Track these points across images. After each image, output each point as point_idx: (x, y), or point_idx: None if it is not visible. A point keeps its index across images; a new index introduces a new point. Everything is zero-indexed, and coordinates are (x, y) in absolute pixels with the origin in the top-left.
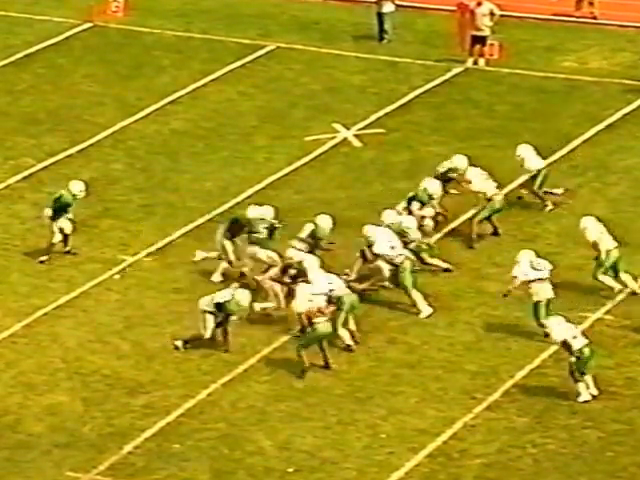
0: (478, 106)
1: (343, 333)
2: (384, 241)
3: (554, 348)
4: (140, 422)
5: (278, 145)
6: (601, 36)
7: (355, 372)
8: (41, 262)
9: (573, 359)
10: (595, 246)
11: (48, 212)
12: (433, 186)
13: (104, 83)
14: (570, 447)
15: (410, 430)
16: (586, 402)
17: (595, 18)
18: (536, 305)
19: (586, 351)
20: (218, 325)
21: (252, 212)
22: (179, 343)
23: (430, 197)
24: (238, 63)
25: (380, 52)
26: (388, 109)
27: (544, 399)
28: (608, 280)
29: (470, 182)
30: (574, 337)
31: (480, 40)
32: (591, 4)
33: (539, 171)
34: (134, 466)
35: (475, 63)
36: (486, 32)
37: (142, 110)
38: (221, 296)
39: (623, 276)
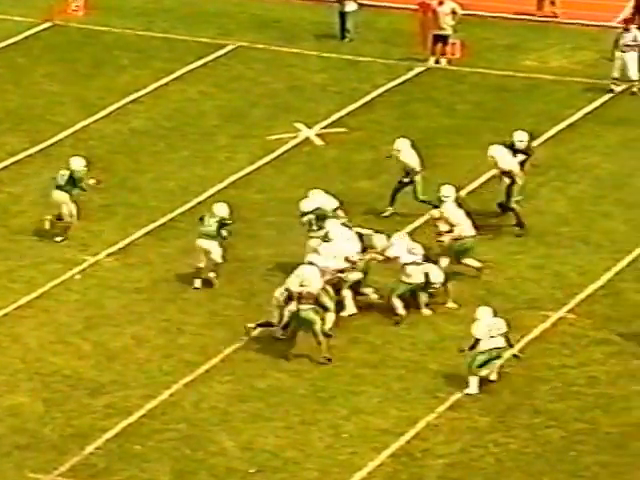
0: (440, 105)
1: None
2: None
3: (516, 348)
4: (101, 423)
5: (240, 144)
6: (562, 35)
7: (317, 372)
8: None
9: (479, 356)
10: None
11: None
12: None
13: (64, 82)
14: (533, 446)
15: (373, 430)
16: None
17: (556, 17)
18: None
19: (494, 354)
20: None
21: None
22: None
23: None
24: (199, 62)
25: (342, 51)
26: (350, 108)
27: (507, 398)
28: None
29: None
30: (491, 337)
31: (442, 39)
32: (552, 3)
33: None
34: (95, 467)
35: (437, 62)
36: (448, 31)
37: (103, 109)
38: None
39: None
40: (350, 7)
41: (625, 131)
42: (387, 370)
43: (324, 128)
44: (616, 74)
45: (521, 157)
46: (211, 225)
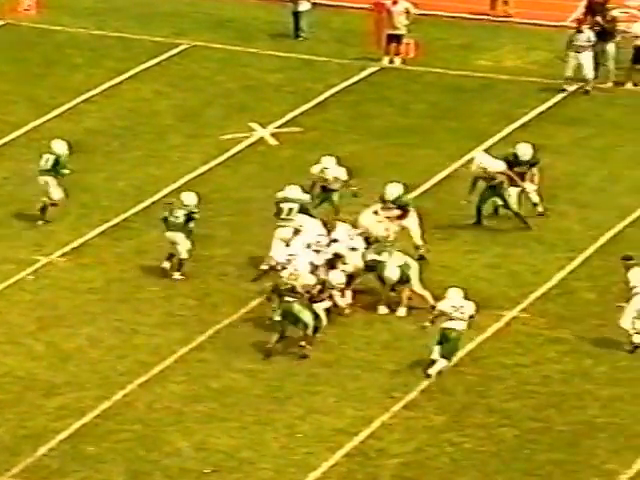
0: (394, 105)
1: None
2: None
3: (471, 346)
4: (55, 424)
5: (194, 144)
6: (516, 35)
7: (272, 372)
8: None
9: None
10: None
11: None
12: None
13: (16, 81)
14: (487, 445)
15: (328, 430)
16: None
17: (510, 17)
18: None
19: (452, 335)
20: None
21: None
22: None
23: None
24: (153, 61)
25: (296, 50)
26: (304, 107)
27: (461, 398)
28: None
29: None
30: (452, 318)
31: (396, 39)
32: (506, 3)
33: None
34: (48, 468)
35: (391, 62)
36: (402, 31)
37: (55, 109)
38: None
39: None
40: (304, 6)
41: (578, 131)
42: (342, 370)
43: (278, 128)
44: (569, 74)
45: (502, 164)
46: (178, 217)
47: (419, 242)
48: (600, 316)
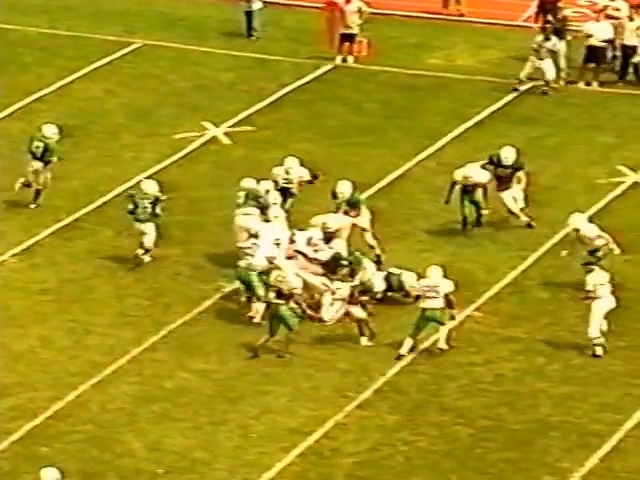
0: (347, 103)
1: None
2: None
3: (425, 345)
4: (6, 425)
5: (146, 143)
6: (468, 33)
7: (226, 372)
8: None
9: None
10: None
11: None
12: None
13: None
14: (440, 444)
15: (281, 429)
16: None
17: (462, 15)
18: None
19: (428, 314)
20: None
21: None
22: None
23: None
24: (104, 60)
25: (249, 49)
26: (257, 107)
27: (415, 396)
28: None
29: None
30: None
31: (349, 37)
32: (458, 2)
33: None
34: (0, 470)
35: (344, 60)
36: (355, 30)
37: (6, 108)
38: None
39: None
40: (256, 5)
41: (530, 130)
42: (296, 369)
43: (231, 127)
44: (523, 76)
45: (487, 175)
46: (147, 207)
47: (372, 242)
48: (553, 315)
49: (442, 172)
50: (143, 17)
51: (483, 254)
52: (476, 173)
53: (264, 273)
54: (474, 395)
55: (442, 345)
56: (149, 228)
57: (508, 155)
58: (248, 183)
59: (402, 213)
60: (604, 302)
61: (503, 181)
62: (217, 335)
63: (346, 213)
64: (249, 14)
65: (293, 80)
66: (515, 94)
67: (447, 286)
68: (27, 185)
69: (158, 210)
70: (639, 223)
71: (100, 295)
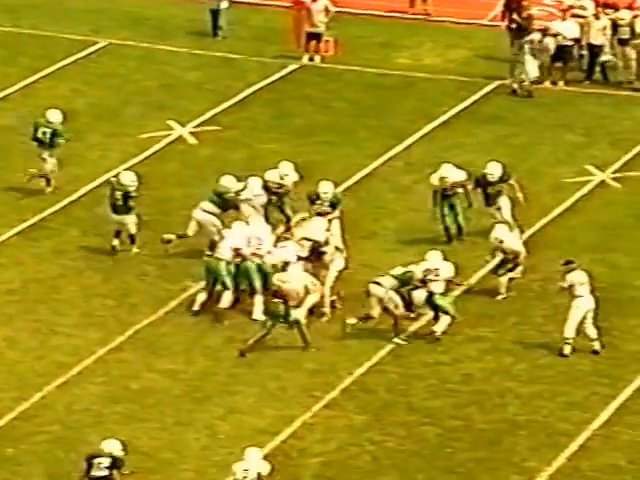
0: (314, 103)
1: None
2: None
3: (391, 346)
4: None
5: (112, 142)
6: (435, 32)
7: (192, 372)
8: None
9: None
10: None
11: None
12: None
13: None
14: (408, 444)
15: (249, 430)
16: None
17: (429, 15)
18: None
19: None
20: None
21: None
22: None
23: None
24: (70, 59)
25: (215, 48)
26: (224, 106)
27: (382, 396)
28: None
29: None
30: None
31: (315, 37)
32: (424, 1)
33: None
34: None
35: (311, 60)
36: (321, 29)
37: None
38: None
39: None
40: (222, 4)
41: (497, 128)
42: (263, 369)
43: (198, 126)
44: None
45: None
46: (118, 199)
47: (340, 245)
48: (520, 314)
49: (409, 171)
50: (109, 16)
51: (450, 253)
52: (452, 173)
53: (231, 263)
54: (442, 395)
55: (438, 328)
56: (127, 218)
57: (493, 172)
58: (225, 180)
59: (370, 212)
60: (584, 301)
61: (492, 197)
62: (184, 335)
63: (322, 214)
64: (215, 13)
65: (259, 79)
66: (482, 93)
67: (449, 270)
68: (41, 176)
69: (130, 202)
70: (606, 222)
71: (66, 295)
